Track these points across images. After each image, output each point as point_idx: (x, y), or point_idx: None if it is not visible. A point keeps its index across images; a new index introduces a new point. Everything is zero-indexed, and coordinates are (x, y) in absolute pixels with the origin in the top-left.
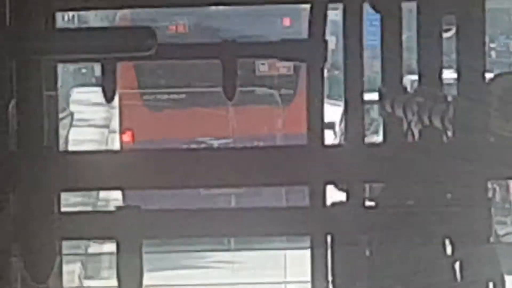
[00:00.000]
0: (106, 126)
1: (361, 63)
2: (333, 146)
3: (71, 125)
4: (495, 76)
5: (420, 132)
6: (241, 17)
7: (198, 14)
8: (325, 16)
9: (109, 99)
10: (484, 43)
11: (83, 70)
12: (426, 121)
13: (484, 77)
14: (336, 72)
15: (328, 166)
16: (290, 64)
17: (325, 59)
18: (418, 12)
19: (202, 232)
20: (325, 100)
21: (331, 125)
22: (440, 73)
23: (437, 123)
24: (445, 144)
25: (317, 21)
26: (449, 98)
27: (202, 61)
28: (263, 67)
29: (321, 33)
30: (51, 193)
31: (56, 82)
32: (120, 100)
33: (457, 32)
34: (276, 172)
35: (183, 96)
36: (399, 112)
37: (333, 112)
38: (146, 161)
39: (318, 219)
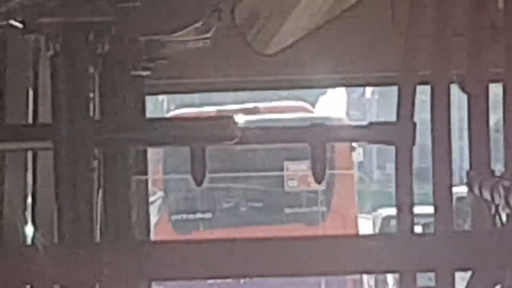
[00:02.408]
0: None
1: (449, 144)
2: (422, 235)
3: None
4: None
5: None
6: None
7: None
8: (413, 98)
9: (199, 183)
10: None
11: None
12: None
13: None
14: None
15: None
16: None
17: (414, 142)
18: (504, 92)
19: None
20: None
21: None
22: None
23: None
24: None
25: (406, 102)
26: None
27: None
28: (292, 182)
29: (409, 115)
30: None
31: (147, 166)
32: None
33: None
34: None
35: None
36: (486, 196)
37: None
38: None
39: None
